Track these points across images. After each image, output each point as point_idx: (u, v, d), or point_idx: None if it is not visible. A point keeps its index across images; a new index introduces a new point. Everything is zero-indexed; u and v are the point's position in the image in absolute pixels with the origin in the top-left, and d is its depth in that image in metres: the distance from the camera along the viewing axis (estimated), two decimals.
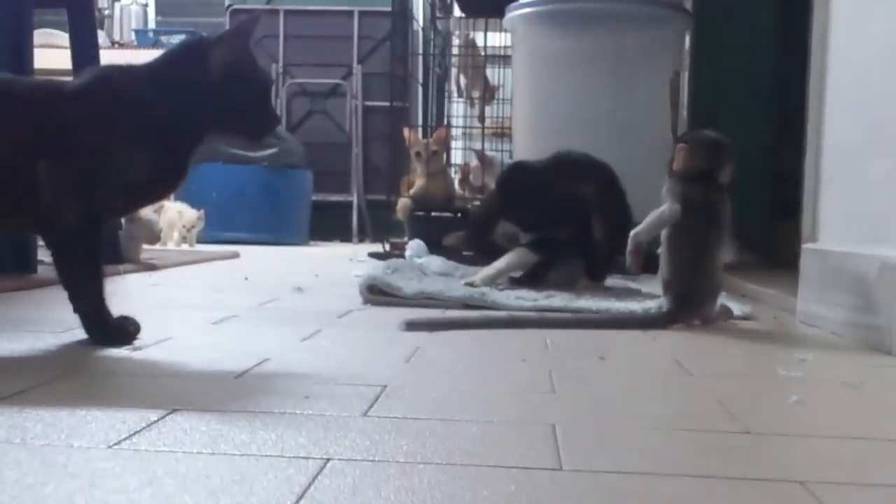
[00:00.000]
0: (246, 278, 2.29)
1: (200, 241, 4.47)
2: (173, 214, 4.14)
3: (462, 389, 1.02)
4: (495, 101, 4.04)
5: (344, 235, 6.21)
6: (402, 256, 3.05)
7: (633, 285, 2.11)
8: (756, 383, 1.16)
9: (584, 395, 1.02)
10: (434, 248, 2.66)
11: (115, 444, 0.75)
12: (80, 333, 1.22)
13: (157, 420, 0.82)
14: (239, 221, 5.24)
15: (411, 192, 3.25)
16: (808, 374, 1.19)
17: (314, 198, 5.86)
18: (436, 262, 2.42)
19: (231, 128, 1.25)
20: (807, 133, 1.79)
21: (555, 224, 2.12)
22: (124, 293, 1.93)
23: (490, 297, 1.83)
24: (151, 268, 2.43)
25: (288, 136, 5.61)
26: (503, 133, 3.87)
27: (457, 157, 4.40)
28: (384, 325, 1.48)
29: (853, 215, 1.61)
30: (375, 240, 6.20)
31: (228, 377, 1.02)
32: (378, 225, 6.27)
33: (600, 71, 2.76)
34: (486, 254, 2.16)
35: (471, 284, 1.98)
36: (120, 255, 2.36)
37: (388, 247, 3.30)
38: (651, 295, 1.86)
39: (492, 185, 3.45)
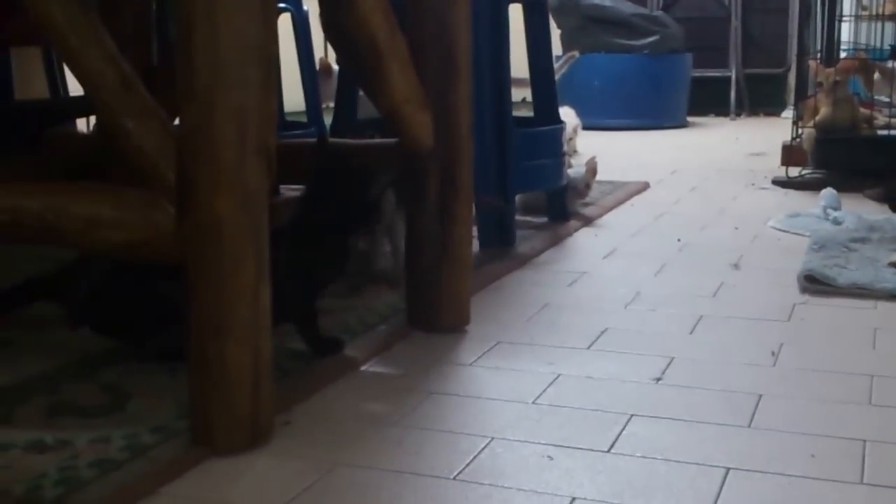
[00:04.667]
0: (679, 240, 2.60)
1: (584, 127, 4.77)
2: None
3: None
4: None
5: (720, 110, 6.29)
6: (807, 185, 3.24)
7: None
8: None
9: None
10: (839, 173, 2.84)
11: None
12: None
13: None
14: (619, 108, 5.52)
15: (816, 120, 3.38)
16: None
17: (693, 74, 5.96)
18: (851, 219, 2.60)
19: None
20: None
21: None
22: (603, 286, 2.30)
23: None
24: (588, 221, 2.81)
25: (670, 22, 5.72)
26: None
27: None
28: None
29: None
30: (752, 114, 6.24)
31: None
32: (756, 99, 6.28)
33: None
34: None
35: (894, 265, 2.17)
36: (567, 212, 2.75)
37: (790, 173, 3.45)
38: None
39: None
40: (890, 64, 3.57)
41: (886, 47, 4.05)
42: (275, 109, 1.28)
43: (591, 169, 2.87)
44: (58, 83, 3.16)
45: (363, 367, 1.62)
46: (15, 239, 1.47)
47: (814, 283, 2.08)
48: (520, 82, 2.81)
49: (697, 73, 5.97)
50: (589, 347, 1.72)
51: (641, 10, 5.88)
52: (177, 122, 1.28)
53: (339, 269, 1.64)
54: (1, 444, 1.29)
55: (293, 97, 3.22)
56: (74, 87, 2.87)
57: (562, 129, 2.66)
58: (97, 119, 1.97)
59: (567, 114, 4.27)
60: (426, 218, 1.74)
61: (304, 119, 3.17)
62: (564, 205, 2.74)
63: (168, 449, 1.28)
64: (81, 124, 3.12)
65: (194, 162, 1.23)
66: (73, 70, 1.35)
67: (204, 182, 1.23)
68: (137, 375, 1.53)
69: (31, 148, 2.44)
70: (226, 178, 1.22)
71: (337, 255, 1.62)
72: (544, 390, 1.51)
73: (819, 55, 3.82)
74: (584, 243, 2.61)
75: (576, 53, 4.74)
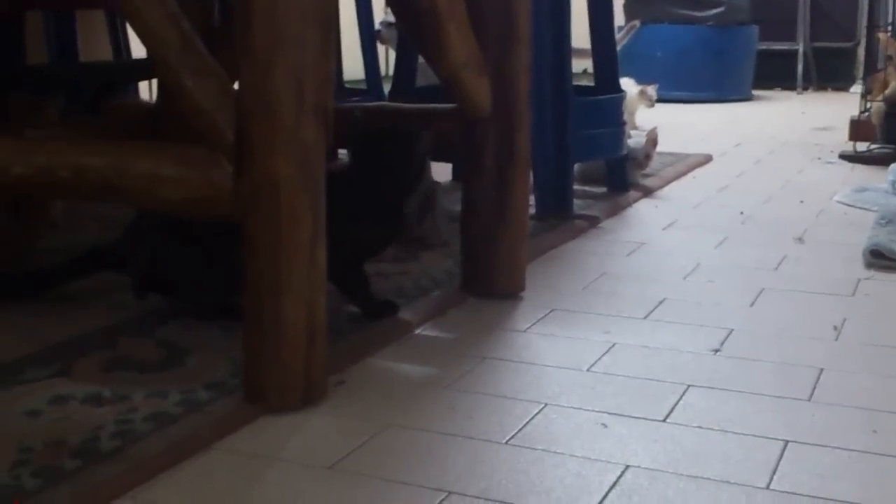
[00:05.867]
0: (741, 213, 2.56)
1: None
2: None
3: None
4: None
5: (786, 84, 6.15)
6: (875, 160, 3.16)
7: None
8: None
9: None
10: None
11: None
12: None
13: None
14: (683, 80, 5.42)
15: (885, 94, 3.29)
16: None
17: (759, 47, 5.83)
18: None
19: None
20: None
21: None
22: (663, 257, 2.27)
23: None
24: (648, 192, 2.77)
25: None
26: None
27: None
28: None
29: None
30: (819, 88, 6.10)
31: None
32: (824, 74, 6.13)
33: None
34: None
35: None
36: (626, 182, 2.71)
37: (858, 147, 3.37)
38: None
39: None
40: None
41: None
42: (333, 70, 1.27)
43: (652, 139, 2.82)
44: (121, 46, 3.19)
45: (417, 331, 1.62)
46: (77, 196, 1.50)
47: (880, 259, 2.03)
48: (581, 53, 2.77)
49: (764, 46, 5.84)
50: (646, 317, 1.70)
51: None
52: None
53: (389, 235, 1.63)
54: (60, 396, 1.31)
55: (353, 66, 3.22)
56: (138, 51, 2.90)
57: (622, 99, 2.62)
58: (159, 83, 1.98)
59: (626, 84, 4.18)
60: (482, 184, 1.72)
61: (363, 87, 3.17)
62: (624, 175, 2.70)
63: (223, 405, 1.29)
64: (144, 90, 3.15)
65: (252, 121, 1.23)
66: (134, 28, 1.35)
67: (261, 141, 1.23)
68: (194, 332, 1.54)
69: (94, 109, 2.48)
70: (283, 136, 1.22)
71: (386, 221, 1.61)
72: (599, 358, 1.49)
73: (890, 28, 3.71)
74: (644, 214, 2.58)
75: (637, 23, 4.67)
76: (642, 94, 4.02)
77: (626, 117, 4.02)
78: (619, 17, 5.49)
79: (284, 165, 1.22)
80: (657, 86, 4.08)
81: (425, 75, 2.49)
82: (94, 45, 3.13)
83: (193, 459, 1.17)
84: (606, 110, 2.56)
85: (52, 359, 1.45)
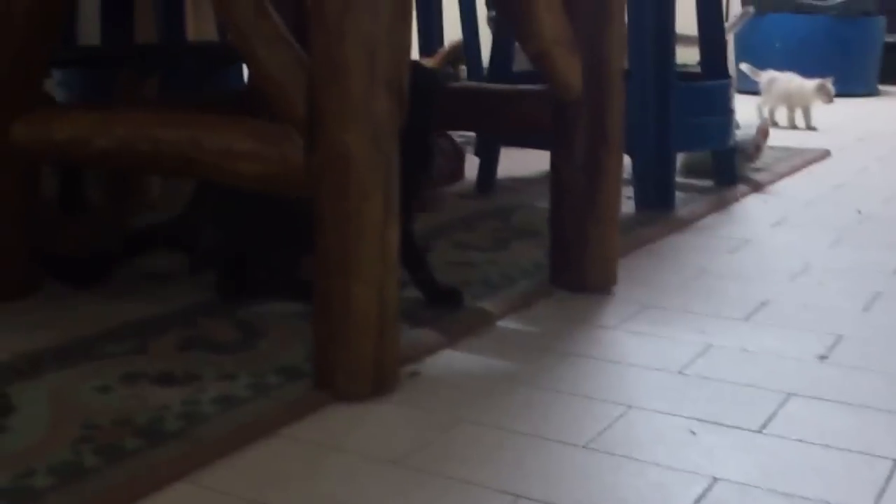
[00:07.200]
0: (859, 212, 2.41)
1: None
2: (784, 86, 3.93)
3: None
4: None
5: None
6: None
7: None
8: None
9: None
10: None
11: None
12: None
13: None
14: (803, 73, 5.19)
15: None
16: None
17: (886, 39, 5.58)
18: None
19: None
20: None
21: None
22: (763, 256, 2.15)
23: None
24: (758, 187, 2.63)
25: None
26: None
27: None
28: None
29: None
30: None
31: None
32: None
33: None
34: None
35: None
36: (735, 176, 2.58)
37: None
38: None
39: None
40: None
41: None
42: (409, 41, 1.21)
43: (763, 130, 2.68)
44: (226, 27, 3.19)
45: (500, 323, 1.55)
46: (155, 169, 1.47)
47: None
48: (690, 41, 2.66)
49: (892, 39, 5.56)
50: (747, 319, 1.59)
51: None
52: None
53: (423, 170, 1.52)
54: (131, 374, 1.29)
55: None
56: None
57: (729, 85, 2.48)
58: None
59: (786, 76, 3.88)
60: (572, 169, 1.63)
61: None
62: (732, 168, 2.57)
63: (292, 390, 1.25)
64: None
65: (322, 92, 1.18)
66: None
67: (332, 114, 1.17)
68: (273, 315, 1.51)
69: (199, 87, 2.49)
70: (354, 109, 1.16)
71: (418, 155, 1.49)
72: (692, 360, 1.40)
73: None
74: (752, 210, 2.44)
75: (750, 10, 4.48)
76: (822, 88, 3.80)
77: (799, 114, 3.83)
78: (736, 4, 5.31)
79: (353, 140, 1.16)
80: (833, 79, 3.89)
81: (523, 60, 2.41)
82: (203, 26, 3.15)
83: (257, 445, 1.13)
84: (713, 97, 2.43)
85: (130, 335, 1.44)
